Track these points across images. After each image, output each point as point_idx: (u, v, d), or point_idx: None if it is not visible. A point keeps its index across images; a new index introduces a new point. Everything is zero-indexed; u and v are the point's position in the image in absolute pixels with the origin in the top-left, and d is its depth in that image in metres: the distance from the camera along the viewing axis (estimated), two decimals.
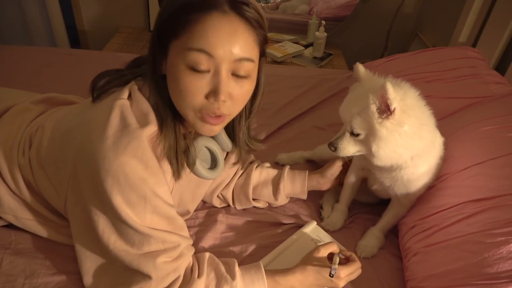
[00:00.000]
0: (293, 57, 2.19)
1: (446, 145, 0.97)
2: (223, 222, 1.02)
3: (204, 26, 0.66)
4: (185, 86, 0.69)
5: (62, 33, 2.37)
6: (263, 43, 0.74)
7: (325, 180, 1.06)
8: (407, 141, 0.83)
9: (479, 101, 1.21)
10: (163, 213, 0.74)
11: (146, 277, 0.73)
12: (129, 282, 0.74)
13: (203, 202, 1.08)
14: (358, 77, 0.92)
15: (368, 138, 0.85)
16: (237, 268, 0.80)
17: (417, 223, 0.92)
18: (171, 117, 0.76)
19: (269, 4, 2.36)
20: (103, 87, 0.80)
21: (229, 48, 0.67)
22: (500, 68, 1.49)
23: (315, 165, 1.22)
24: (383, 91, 0.78)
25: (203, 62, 0.67)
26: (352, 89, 0.92)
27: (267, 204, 1.09)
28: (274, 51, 2.16)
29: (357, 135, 0.86)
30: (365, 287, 0.89)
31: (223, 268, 0.79)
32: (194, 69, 0.68)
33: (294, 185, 1.06)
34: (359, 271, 0.87)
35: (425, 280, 0.82)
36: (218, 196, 1.06)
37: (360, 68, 0.91)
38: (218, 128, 0.76)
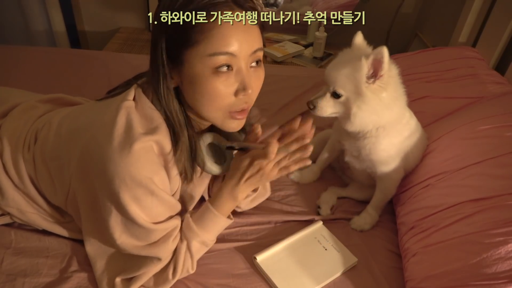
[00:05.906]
0: (293, 57, 2.18)
1: (441, 142, 0.99)
2: None
3: (221, 30, 0.68)
4: (214, 90, 0.71)
5: (62, 33, 2.36)
6: (262, 25, 0.76)
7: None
8: (381, 109, 0.89)
9: (477, 101, 1.21)
10: (168, 204, 0.78)
11: (154, 259, 0.79)
12: (137, 267, 0.80)
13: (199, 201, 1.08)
14: (353, 43, 0.95)
15: (349, 100, 0.89)
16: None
17: (416, 223, 0.93)
18: (185, 128, 0.77)
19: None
20: (111, 91, 0.83)
21: (247, 43, 0.70)
22: (500, 68, 1.49)
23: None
24: (379, 55, 0.83)
25: (227, 63, 0.69)
26: (342, 53, 0.95)
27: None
28: (274, 51, 2.16)
29: (339, 96, 0.89)
30: (365, 286, 0.90)
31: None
32: (219, 72, 0.69)
33: None
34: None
35: (424, 280, 0.82)
36: (211, 194, 1.06)
37: (359, 37, 0.95)
38: (244, 121, 0.79)
